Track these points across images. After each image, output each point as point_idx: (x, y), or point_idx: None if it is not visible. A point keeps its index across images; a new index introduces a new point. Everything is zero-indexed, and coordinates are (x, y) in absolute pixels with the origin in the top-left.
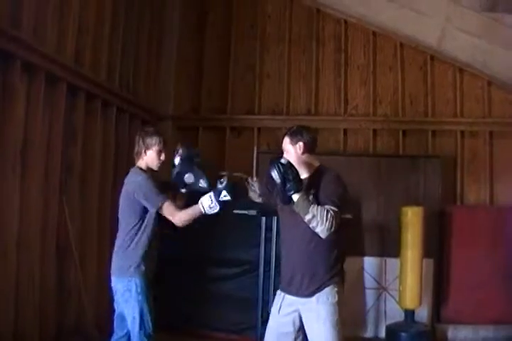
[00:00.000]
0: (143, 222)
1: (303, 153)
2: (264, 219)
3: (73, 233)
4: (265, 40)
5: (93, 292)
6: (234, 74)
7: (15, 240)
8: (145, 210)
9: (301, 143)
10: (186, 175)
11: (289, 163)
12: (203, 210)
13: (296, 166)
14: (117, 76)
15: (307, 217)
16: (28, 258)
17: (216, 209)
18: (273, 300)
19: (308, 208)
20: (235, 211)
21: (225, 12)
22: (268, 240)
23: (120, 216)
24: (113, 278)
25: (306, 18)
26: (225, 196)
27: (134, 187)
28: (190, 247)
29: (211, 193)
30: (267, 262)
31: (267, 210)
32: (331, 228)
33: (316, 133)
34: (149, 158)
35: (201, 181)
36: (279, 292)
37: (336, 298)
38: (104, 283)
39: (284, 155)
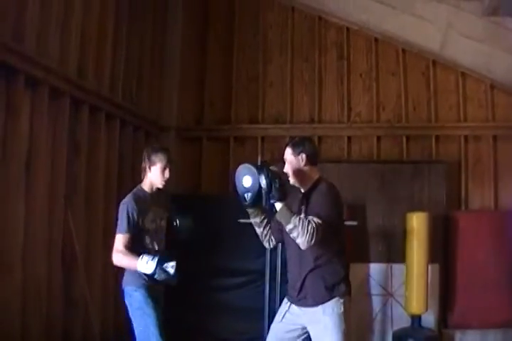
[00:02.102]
0: (134, 236)
1: (305, 164)
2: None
3: (79, 245)
4: (268, 49)
5: (99, 304)
6: (237, 84)
7: (21, 253)
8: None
9: (303, 155)
10: None
11: (278, 171)
12: (138, 266)
13: (296, 178)
14: (120, 88)
15: (288, 227)
16: (34, 271)
17: (150, 271)
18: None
19: (291, 218)
20: (241, 220)
21: (227, 22)
22: (274, 249)
23: None
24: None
25: (308, 26)
26: (170, 267)
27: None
28: (196, 257)
29: (157, 257)
30: (273, 271)
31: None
32: (311, 240)
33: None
34: (153, 174)
35: None
36: (285, 300)
37: (342, 309)
38: (109, 295)
39: (286, 166)
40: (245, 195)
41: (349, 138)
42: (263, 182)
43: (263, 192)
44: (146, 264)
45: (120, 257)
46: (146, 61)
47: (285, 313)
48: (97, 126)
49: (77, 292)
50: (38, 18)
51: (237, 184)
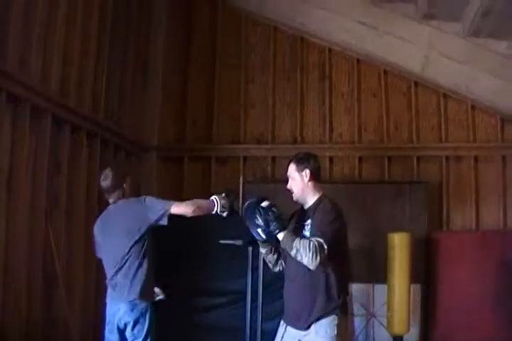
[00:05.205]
0: (143, 245)
1: (309, 180)
2: (250, 248)
3: (59, 263)
4: (250, 69)
5: (79, 322)
6: (219, 104)
7: (2, 269)
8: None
9: (307, 171)
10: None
11: (269, 205)
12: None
13: (301, 194)
14: (102, 107)
15: (292, 253)
16: (14, 288)
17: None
18: (261, 330)
19: (292, 243)
20: (222, 241)
21: (209, 42)
22: (255, 269)
23: (119, 245)
24: (122, 310)
25: (290, 46)
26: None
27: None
28: (178, 277)
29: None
30: (255, 291)
31: (253, 240)
32: (316, 259)
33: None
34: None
35: None
36: (282, 322)
37: (336, 331)
38: (90, 311)
39: (289, 182)
40: (258, 231)
41: (331, 158)
42: (259, 221)
43: (262, 229)
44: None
45: (195, 203)
46: (128, 80)
47: (283, 335)
48: (78, 144)
49: (58, 310)
50: (20, 35)
51: (247, 221)
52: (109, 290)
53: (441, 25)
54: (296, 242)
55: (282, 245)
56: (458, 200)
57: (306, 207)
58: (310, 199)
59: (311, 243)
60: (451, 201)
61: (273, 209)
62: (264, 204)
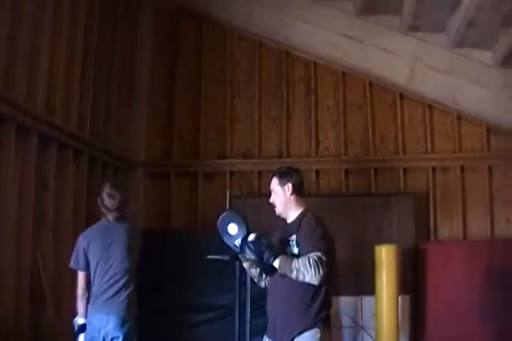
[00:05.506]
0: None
1: (291, 194)
2: (238, 263)
3: (47, 282)
4: (235, 84)
5: (67, 337)
6: (205, 119)
7: None
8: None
9: (289, 185)
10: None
11: (255, 237)
12: None
13: (284, 208)
14: (88, 124)
15: (293, 275)
16: (1, 308)
17: None
18: None
19: (291, 266)
20: (209, 256)
21: (195, 57)
22: (243, 284)
23: (123, 258)
24: (112, 324)
25: (275, 61)
26: None
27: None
28: (166, 292)
29: None
30: (243, 306)
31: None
32: (319, 273)
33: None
34: None
35: None
36: (265, 337)
37: None
38: None
39: (272, 196)
40: (235, 243)
41: (317, 171)
42: (251, 256)
43: (256, 262)
44: None
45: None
46: (114, 96)
47: None
48: (65, 162)
49: (46, 329)
50: (5, 54)
51: (222, 232)
52: (96, 303)
53: (426, 36)
54: (295, 263)
55: (281, 271)
56: (445, 211)
57: (289, 221)
58: (292, 213)
59: (310, 259)
60: (438, 211)
61: (261, 239)
62: (251, 238)
